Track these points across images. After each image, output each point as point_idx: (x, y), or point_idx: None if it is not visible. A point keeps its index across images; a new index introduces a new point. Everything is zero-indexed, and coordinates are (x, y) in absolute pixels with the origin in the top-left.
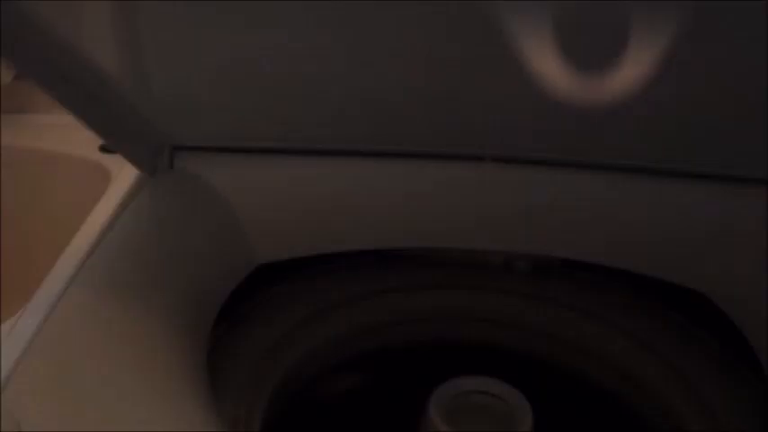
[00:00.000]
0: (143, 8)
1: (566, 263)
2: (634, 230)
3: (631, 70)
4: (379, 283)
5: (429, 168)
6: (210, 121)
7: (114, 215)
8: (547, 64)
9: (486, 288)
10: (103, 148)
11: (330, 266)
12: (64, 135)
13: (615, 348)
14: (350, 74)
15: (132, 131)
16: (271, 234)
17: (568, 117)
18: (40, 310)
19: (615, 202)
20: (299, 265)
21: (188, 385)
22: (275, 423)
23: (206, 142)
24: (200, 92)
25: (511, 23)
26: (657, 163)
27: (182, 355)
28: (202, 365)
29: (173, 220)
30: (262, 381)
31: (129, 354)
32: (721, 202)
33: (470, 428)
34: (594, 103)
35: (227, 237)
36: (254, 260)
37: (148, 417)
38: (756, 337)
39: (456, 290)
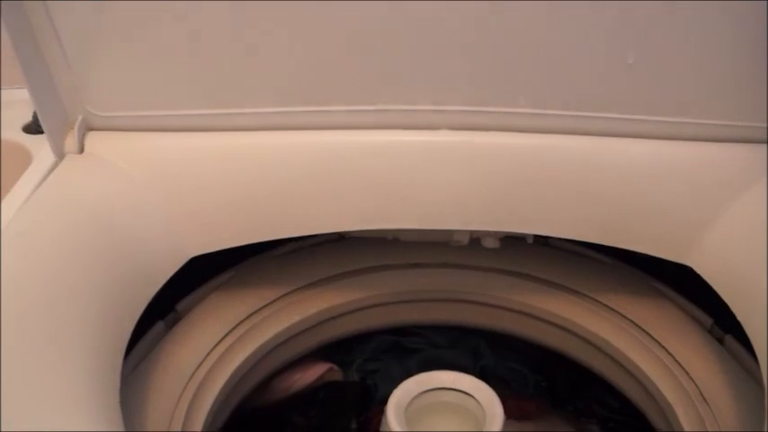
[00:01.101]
0: None
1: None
2: (610, 199)
3: None
4: (338, 266)
5: (376, 140)
6: (127, 97)
7: (25, 199)
8: None
9: (457, 266)
10: (26, 129)
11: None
12: None
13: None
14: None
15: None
16: (202, 222)
17: (530, 68)
18: None
19: (587, 169)
20: (242, 254)
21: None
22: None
23: (122, 123)
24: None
25: None
26: (631, 113)
27: (94, 361)
28: (115, 375)
29: (84, 206)
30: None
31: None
32: (705, 164)
33: (432, 429)
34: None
35: (150, 226)
36: (185, 252)
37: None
38: (743, 312)
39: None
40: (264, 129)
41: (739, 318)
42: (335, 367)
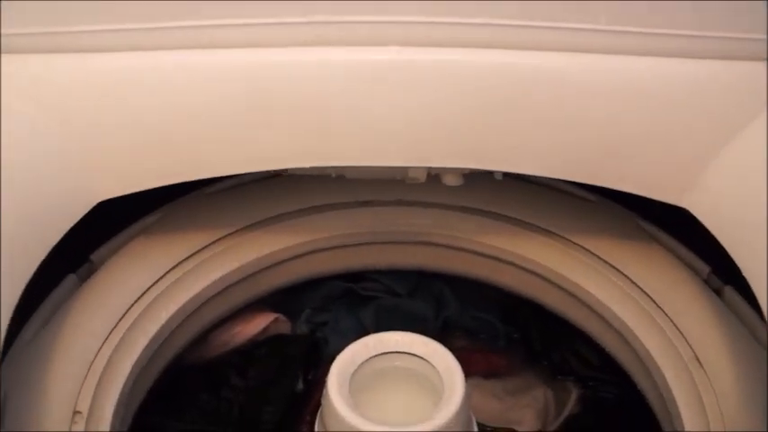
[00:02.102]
0: None
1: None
2: (592, 129)
3: None
4: (279, 205)
5: (310, 60)
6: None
7: None
8: None
9: (414, 203)
10: None
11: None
12: None
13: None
14: None
15: None
16: (110, 161)
17: None
18: None
19: (564, 93)
20: (169, 193)
21: None
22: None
23: (14, 44)
24: None
25: None
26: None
27: None
28: None
29: None
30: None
31: None
32: (706, 86)
33: (382, 400)
34: None
35: (46, 165)
36: (91, 196)
37: None
38: (746, 260)
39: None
40: (178, 48)
41: (741, 267)
42: (282, 318)
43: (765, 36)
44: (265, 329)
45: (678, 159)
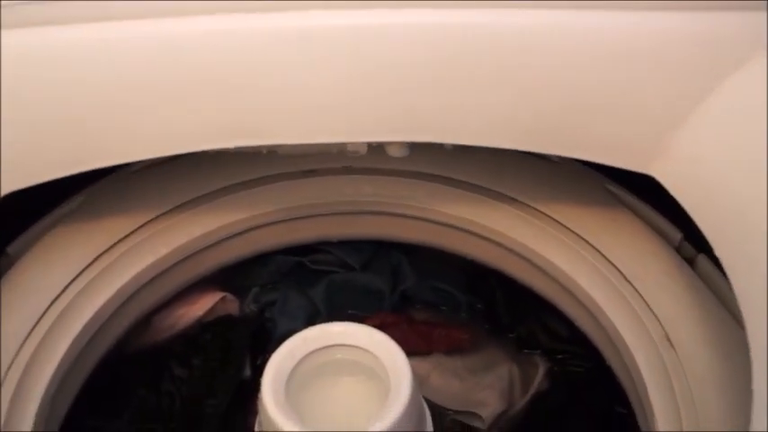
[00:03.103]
0: None
1: None
2: (547, 93)
3: None
4: (213, 181)
5: (226, 27)
6: None
7: None
8: None
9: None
10: None
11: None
12: None
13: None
14: None
15: None
16: (8, 149)
17: None
18: None
19: (517, 53)
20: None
21: None
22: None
23: None
24: None
25: None
26: None
27: None
28: None
29: None
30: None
31: None
32: (675, 41)
33: (325, 397)
34: None
35: None
36: None
37: None
38: (716, 233)
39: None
40: (82, 21)
41: (709, 238)
42: (229, 296)
43: None
44: (212, 309)
45: (644, 125)
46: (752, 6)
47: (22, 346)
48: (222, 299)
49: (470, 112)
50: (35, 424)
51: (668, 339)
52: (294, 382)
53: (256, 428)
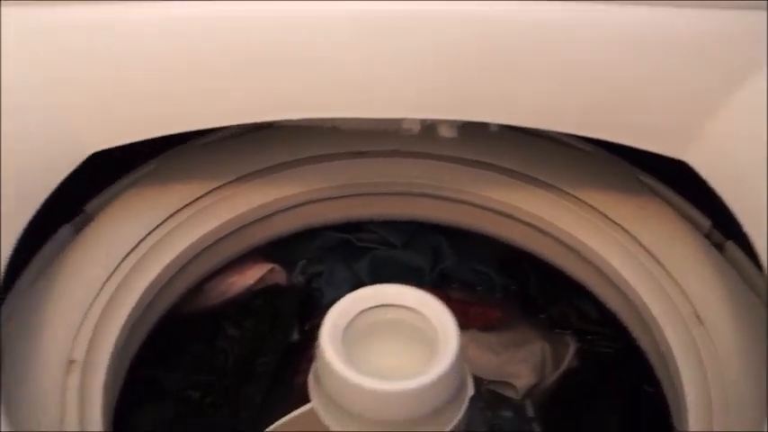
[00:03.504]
0: None
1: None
2: (591, 80)
3: None
4: (273, 156)
5: (301, 8)
6: None
7: None
8: None
9: (410, 154)
10: None
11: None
12: None
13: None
14: None
15: None
16: (100, 112)
17: None
18: None
19: (563, 42)
20: (163, 144)
21: None
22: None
23: None
24: None
25: None
26: None
27: None
28: None
29: None
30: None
31: None
32: (711, 35)
33: (376, 353)
34: None
35: (34, 118)
36: (81, 148)
37: None
38: (748, 217)
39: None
40: None
41: (742, 222)
42: (278, 268)
43: None
44: (261, 279)
45: (679, 112)
46: None
47: (96, 297)
48: (271, 270)
49: (520, 95)
50: (108, 366)
51: (697, 316)
52: (348, 337)
53: (310, 380)
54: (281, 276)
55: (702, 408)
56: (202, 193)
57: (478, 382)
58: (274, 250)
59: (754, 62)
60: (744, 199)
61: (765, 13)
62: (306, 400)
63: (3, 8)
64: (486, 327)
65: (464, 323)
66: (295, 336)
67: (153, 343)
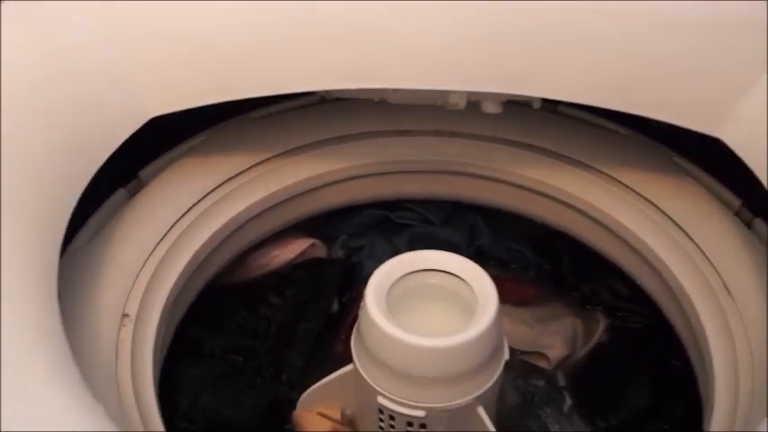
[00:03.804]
0: None
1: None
2: (629, 57)
3: None
4: (320, 132)
5: None
6: None
7: None
8: None
9: (451, 133)
10: None
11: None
12: None
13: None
14: None
15: None
16: (163, 77)
17: None
18: None
19: (604, 21)
20: (215, 117)
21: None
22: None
23: None
24: None
25: None
26: None
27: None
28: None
29: (29, 59)
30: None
31: None
32: (744, 16)
33: (417, 315)
34: None
35: (102, 81)
36: (144, 111)
37: None
38: None
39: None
40: None
41: None
42: (318, 243)
43: None
44: (302, 254)
45: (714, 90)
46: None
47: (147, 258)
48: (312, 245)
49: (562, 70)
50: (159, 321)
51: (726, 288)
52: (391, 299)
53: (353, 340)
54: (321, 251)
55: (729, 370)
56: (251, 164)
57: (512, 352)
58: (315, 227)
59: None
60: None
61: None
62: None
63: None
64: (521, 302)
65: (500, 298)
66: (335, 306)
67: (199, 310)
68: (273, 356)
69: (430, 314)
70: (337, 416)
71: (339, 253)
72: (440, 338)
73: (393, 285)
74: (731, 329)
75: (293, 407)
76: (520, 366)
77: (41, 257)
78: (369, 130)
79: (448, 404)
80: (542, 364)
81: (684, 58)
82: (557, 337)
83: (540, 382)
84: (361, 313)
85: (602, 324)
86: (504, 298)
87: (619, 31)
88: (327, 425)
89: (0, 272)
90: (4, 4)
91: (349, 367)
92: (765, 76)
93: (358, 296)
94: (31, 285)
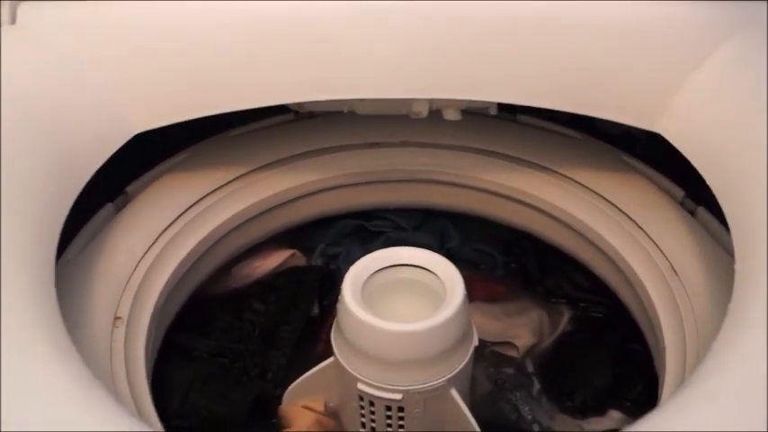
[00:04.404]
0: None
1: (503, 107)
2: (573, 62)
3: None
4: (294, 147)
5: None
6: None
7: None
8: None
9: (418, 144)
10: None
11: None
12: None
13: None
14: None
15: None
16: (145, 95)
17: None
18: None
19: (548, 31)
20: (196, 136)
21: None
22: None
23: None
24: None
25: None
26: None
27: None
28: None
29: (16, 78)
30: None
31: None
32: (671, 23)
33: (391, 306)
34: None
35: (87, 99)
36: (128, 128)
37: None
38: (715, 178)
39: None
40: None
41: (710, 184)
42: (298, 253)
43: None
44: (283, 264)
45: (650, 88)
46: None
47: (136, 266)
48: (292, 255)
49: (513, 76)
50: (149, 324)
51: (673, 269)
52: (366, 292)
53: (333, 332)
54: (301, 261)
55: (678, 342)
56: (231, 178)
57: (483, 344)
58: (295, 238)
59: (711, 44)
60: (709, 162)
61: (718, 2)
62: None
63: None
64: (490, 299)
65: (470, 296)
66: (315, 310)
67: (186, 317)
68: (258, 357)
69: (403, 304)
70: (321, 408)
71: (318, 261)
72: (412, 323)
73: (367, 280)
74: (679, 306)
75: (279, 402)
76: (491, 357)
77: (40, 264)
78: (341, 143)
79: (423, 386)
80: (512, 353)
81: (619, 61)
82: (524, 329)
83: (510, 370)
84: (338, 306)
85: (566, 315)
86: (474, 296)
87: (559, 40)
88: (312, 417)
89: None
90: None
91: (330, 360)
92: (696, 72)
93: (336, 301)
94: (32, 291)
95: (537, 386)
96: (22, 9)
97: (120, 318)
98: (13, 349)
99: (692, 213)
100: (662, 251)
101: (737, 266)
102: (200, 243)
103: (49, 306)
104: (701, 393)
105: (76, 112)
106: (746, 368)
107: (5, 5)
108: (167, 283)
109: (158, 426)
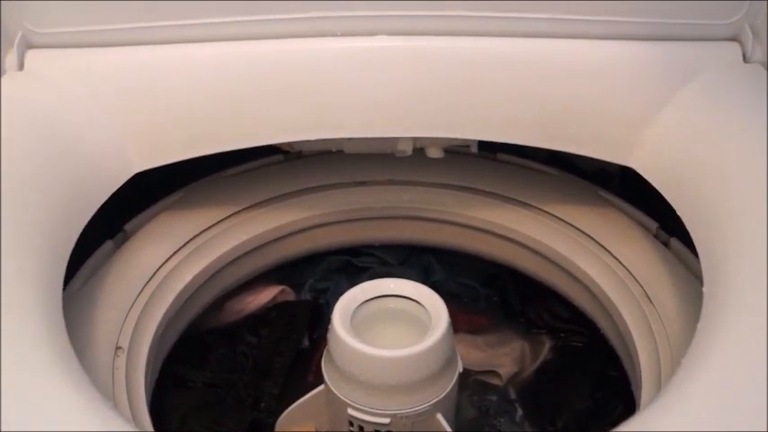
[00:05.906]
0: None
1: (483, 146)
2: (548, 101)
3: None
4: (285, 185)
5: (312, 48)
6: (66, 13)
7: None
8: None
9: (403, 182)
10: None
11: (225, 174)
12: None
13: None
14: None
15: None
16: (145, 137)
17: None
18: None
19: (524, 71)
20: (191, 176)
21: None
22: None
23: (62, 40)
24: None
25: None
26: (565, 14)
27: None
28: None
29: (23, 122)
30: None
31: None
32: (641, 62)
33: (379, 334)
34: None
35: (91, 141)
36: (129, 167)
37: None
38: (685, 209)
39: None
40: (202, 40)
41: (679, 213)
42: (288, 289)
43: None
44: (274, 299)
45: (622, 124)
46: (697, 37)
47: (136, 299)
48: (282, 290)
49: (491, 115)
50: (148, 354)
51: (647, 296)
52: (355, 321)
53: (323, 361)
54: (291, 296)
55: (653, 364)
56: (224, 216)
57: (467, 373)
58: (285, 275)
59: (678, 83)
60: (678, 192)
61: (685, 43)
62: None
63: (53, 50)
64: (473, 331)
65: (454, 327)
66: (306, 342)
67: (182, 350)
68: (251, 387)
69: (390, 333)
70: None
71: (307, 296)
72: (399, 349)
73: (356, 310)
74: (653, 331)
75: (272, 430)
76: (475, 385)
77: (49, 296)
78: (329, 182)
79: (410, 410)
80: (495, 381)
81: (593, 99)
82: (507, 358)
83: (494, 397)
84: (329, 335)
85: (547, 345)
86: (458, 327)
87: (536, 80)
88: None
89: (10, 304)
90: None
91: (321, 387)
92: (665, 108)
93: (326, 333)
94: (44, 322)
95: (520, 412)
96: (30, 56)
97: (121, 348)
98: (30, 372)
99: (666, 245)
100: (637, 280)
101: (706, 290)
102: (195, 278)
103: (61, 337)
104: (672, 400)
105: (82, 152)
106: (713, 376)
107: (14, 52)
108: (165, 314)
109: None
